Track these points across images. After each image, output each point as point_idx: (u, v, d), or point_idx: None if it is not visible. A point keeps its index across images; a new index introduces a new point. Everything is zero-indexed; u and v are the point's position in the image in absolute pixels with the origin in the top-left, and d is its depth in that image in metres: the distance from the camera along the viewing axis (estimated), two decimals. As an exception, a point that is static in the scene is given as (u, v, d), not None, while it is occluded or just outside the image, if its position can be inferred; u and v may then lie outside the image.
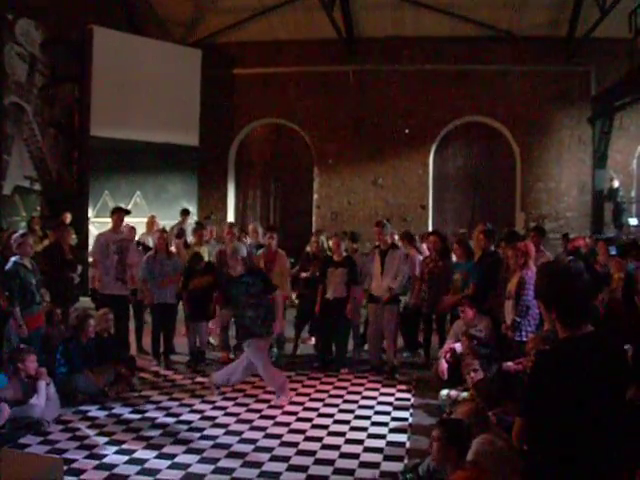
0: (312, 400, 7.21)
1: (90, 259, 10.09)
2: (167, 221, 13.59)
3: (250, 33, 15.97)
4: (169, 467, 5.31)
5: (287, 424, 6.35)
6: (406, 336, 9.47)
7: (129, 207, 14.17)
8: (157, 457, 5.51)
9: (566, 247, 10.25)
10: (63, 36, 14.49)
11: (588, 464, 2.66)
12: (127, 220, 9.57)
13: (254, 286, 7.14)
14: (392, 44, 15.56)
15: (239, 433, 6.14)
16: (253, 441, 5.92)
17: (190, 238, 11.40)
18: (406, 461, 5.40)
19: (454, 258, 9.02)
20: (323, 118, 16.03)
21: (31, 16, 13.66)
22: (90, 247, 12.97)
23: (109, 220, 9.35)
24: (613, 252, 7.56)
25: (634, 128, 14.86)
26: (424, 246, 10.38)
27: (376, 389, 7.69)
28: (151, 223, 11.88)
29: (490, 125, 15.76)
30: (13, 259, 7.28)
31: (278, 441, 5.93)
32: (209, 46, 16.11)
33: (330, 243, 10.16)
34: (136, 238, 10.08)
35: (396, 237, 9.96)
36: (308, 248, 10.27)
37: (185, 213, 13.44)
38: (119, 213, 9.27)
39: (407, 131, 15.65)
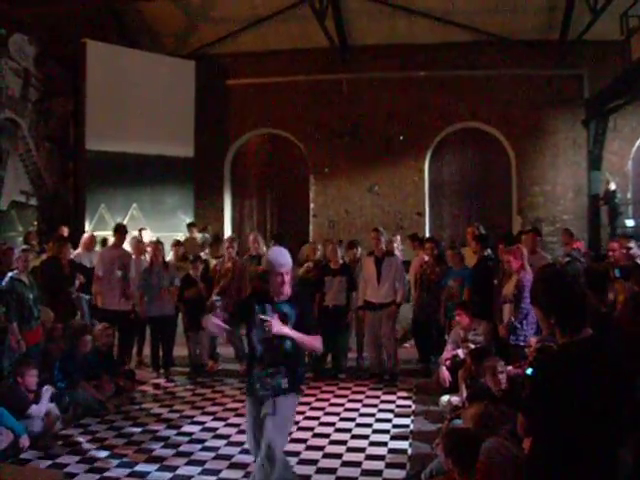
0: (313, 409, 7.20)
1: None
2: (164, 233, 13.60)
3: (243, 43, 15.98)
4: (171, 479, 5.29)
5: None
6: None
7: (126, 220, 14.28)
8: (159, 470, 5.49)
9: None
10: (57, 50, 14.53)
11: (588, 466, 2.65)
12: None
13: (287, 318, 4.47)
14: (385, 52, 15.56)
15: (240, 444, 6.09)
16: (255, 451, 5.91)
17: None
18: (408, 468, 5.39)
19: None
20: (318, 127, 16.03)
21: (24, 31, 13.70)
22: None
23: (106, 233, 9.34)
24: (617, 275, 7.46)
25: (628, 130, 14.87)
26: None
27: (377, 397, 7.68)
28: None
29: (485, 130, 15.76)
30: (10, 274, 7.28)
31: (280, 451, 5.92)
32: (202, 57, 16.12)
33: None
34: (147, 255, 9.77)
35: (396, 245, 10.00)
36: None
37: (192, 225, 14.17)
38: (122, 230, 9.44)
39: (402, 138, 15.64)
